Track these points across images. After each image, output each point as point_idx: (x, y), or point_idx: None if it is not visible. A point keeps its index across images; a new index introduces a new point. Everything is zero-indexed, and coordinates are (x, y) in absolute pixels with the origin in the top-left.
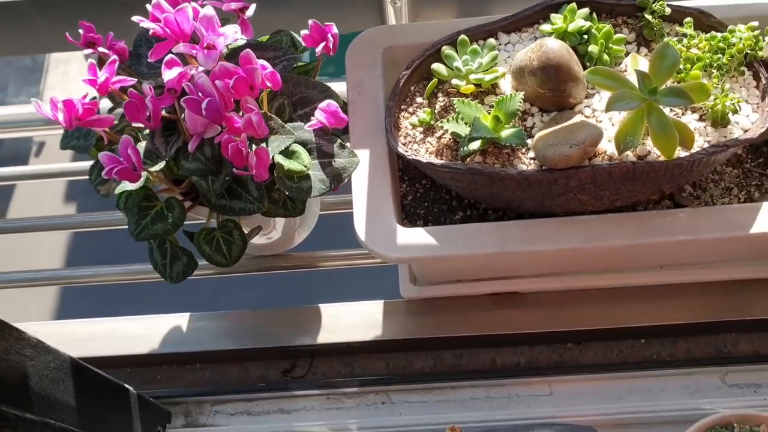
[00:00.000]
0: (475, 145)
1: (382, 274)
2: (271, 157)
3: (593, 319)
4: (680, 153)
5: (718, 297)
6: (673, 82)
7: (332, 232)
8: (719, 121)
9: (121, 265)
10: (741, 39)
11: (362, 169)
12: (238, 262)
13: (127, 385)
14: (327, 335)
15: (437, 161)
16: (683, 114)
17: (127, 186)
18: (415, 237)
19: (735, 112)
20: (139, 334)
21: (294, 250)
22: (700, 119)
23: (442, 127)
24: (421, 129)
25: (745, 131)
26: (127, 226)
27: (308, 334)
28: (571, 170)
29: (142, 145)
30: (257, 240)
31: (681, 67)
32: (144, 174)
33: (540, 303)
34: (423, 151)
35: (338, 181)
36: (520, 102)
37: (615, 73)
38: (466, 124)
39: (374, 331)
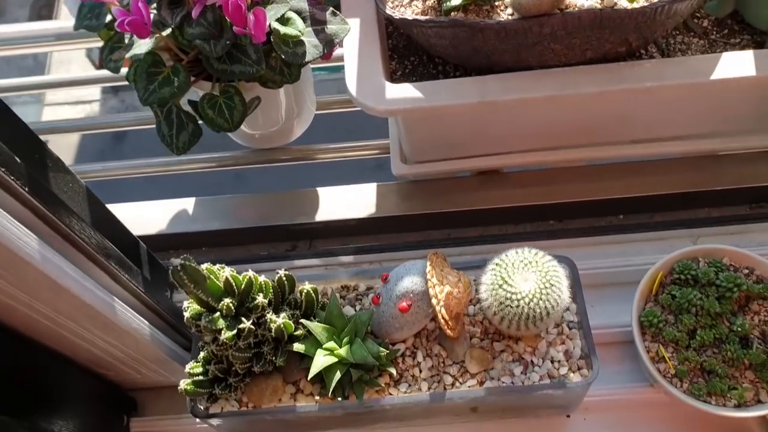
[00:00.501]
0: (455, 1)
1: (375, 165)
2: (268, 24)
3: (573, 193)
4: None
5: (690, 171)
6: None
7: (329, 130)
8: None
9: (126, 161)
10: None
11: (353, 35)
12: (242, 156)
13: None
14: (325, 214)
15: (422, 17)
16: None
17: (137, 50)
18: (403, 91)
19: None
20: (148, 216)
21: (293, 144)
22: None
23: None
24: None
25: None
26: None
27: (307, 214)
28: (543, 17)
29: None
30: (260, 131)
31: None
32: (153, 37)
33: (522, 182)
34: (409, 12)
35: (330, 46)
36: None
37: None
38: None
39: (369, 210)
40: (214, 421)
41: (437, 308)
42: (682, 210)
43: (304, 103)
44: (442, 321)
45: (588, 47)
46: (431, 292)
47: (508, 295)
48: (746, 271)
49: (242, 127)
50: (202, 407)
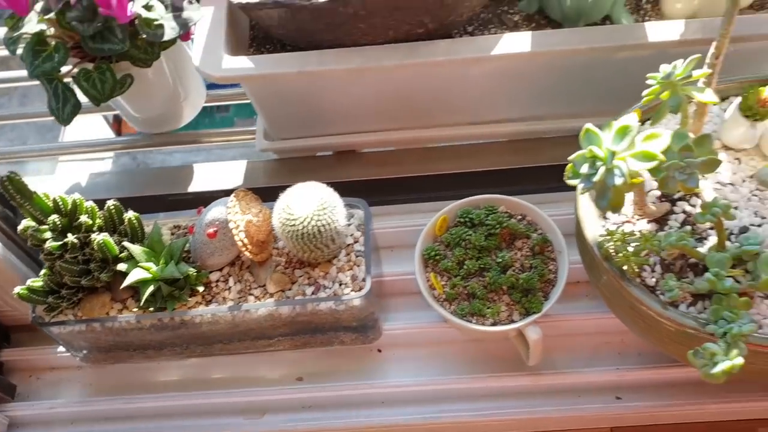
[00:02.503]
0: None
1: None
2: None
3: (414, 169)
4: None
5: (514, 152)
6: None
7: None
8: None
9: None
10: None
11: (205, 19)
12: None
13: None
14: (197, 186)
15: (253, 1)
16: None
17: (27, 29)
18: (237, 62)
19: None
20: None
21: (181, 130)
22: None
23: None
24: None
25: None
26: None
27: (182, 186)
28: None
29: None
30: (146, 113)
31: None
32: (40, 19)
33: (374, 160)
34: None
35: (186, 28)
36: None
37: None
38: None
39: (236, 183)
40: (55, 330)
41: (235, 232)
42: (506, 185)
43: (189, 87)
44: (240, 244)
45: (390, 27)
46: (230, 218)
47: (288, 216)
48: (519, 217)
49: (130, 109)
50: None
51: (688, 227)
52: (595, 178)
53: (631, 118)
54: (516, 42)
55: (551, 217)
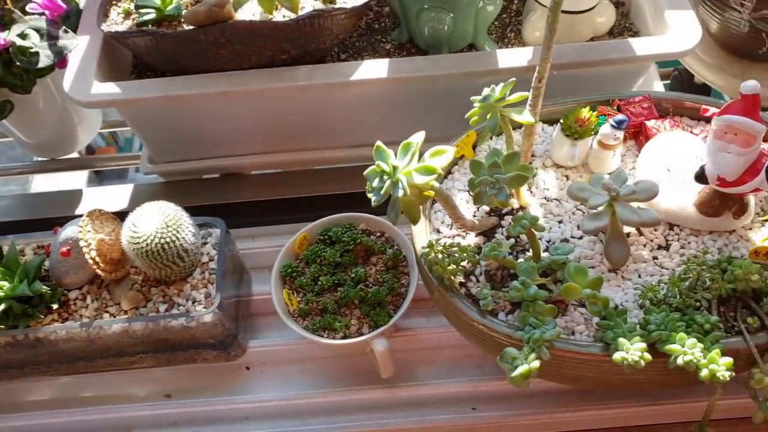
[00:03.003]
0: (148, 16)
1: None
2: (8, 39)
3: (298, 191)
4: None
5: None
6: None
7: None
8: (329, 0)
9: None
10: None
11: (80, 48)
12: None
13: None
14: (84, 208)
15: (121, 30)
16: None
17: None
18: (106, 88)
19: None
20: None
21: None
22: None
23: (134, 11)
24: (123, 16)
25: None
26: None
27: (70, 209)
28: (206, 27)
29: None
30: (37, 139)
31: None
32: None
33: (260, 182)
34: (119, 29)
35: (60, 56)
36: None
37: None
38: (143, 6)
39: (122, 205)
40: None
41: (86, 251)
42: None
43: (84, 111)
44: (91, 262)
45: (252, 53)
46: (81, 237)
47: (132, 234)
48: (378, 234)
49: (20, 135)
50: None
51: (512, 240)
52: (382, 191)
53: (418, 136)
54: (373, 68)
55: (407, 235)
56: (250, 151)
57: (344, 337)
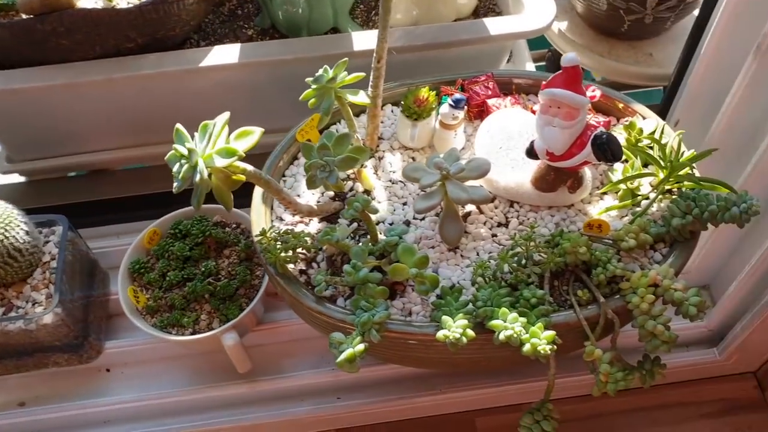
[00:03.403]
0: None
1: None
2: None
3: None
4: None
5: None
6: None
7: None
8: None
9: None
10: None
11: None
12: None
13: None
14: None
15: None
16: None
17: None
18: None
19: None
20: None
21: None
22: None
23: None
24: None
25: None
26: None
27: None
28: (42, 15)
29: None
30: None
31: None
32: None
33: (127, 178)
34: None
35: None
36: None
37: None
38: None
39: None
40: None
41: None
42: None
43: None
44: None
45: (95, 43)
46: None
47: None
48: (234, 225)
49: None
50: None
51: (355, 224)
52: (180, 176)
53: (221, 117)
54: (223, 54)
55: None
56: (112, 146)
57: (194, 333)
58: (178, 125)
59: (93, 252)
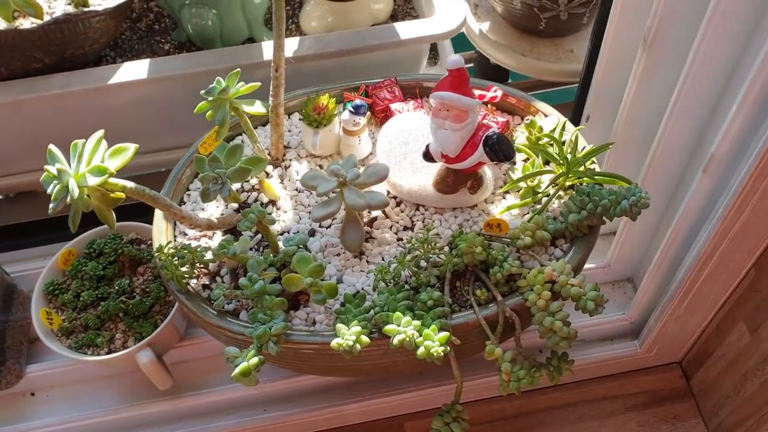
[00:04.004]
0: None
1: None
2: None
3: None
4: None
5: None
6: None
7: None
8: (80, 0)
9: None
10: None
11: None
12: None
13: None
14: None
15: None
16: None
17: None
18: None
19: None
20: None
21: None
22: (69, 2)
23: None
24: None
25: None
26: None
27: None
28: None
29: None
30: None
31: None
32: None
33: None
34: None
35: None
36: None
37: None
38: None
39: None
40: None
41: None
42: None
43: None
44: None
45: (1, 64)
46: None
47: None
48: (150, 242)
49: None
50: None
51: (259, 236)
52: (53, 197)
53: (95, 136)
54: (132, 70)
55: None
56: (24, 169)
57: (109, 352)
58: (51, 146)
59: (11, 276)
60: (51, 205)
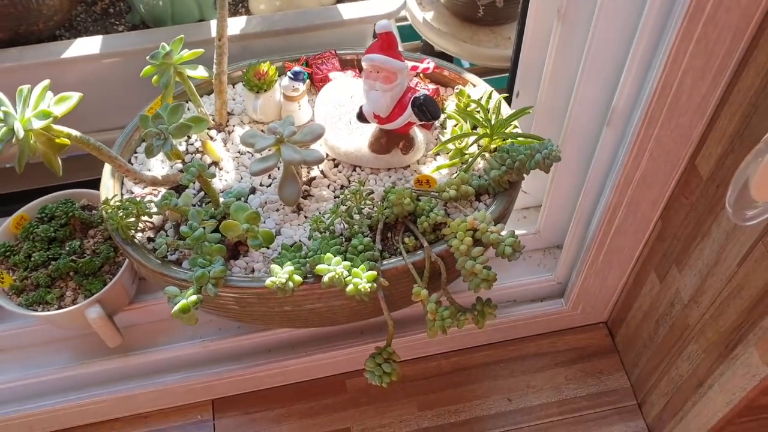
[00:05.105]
0: None
1: None
2: None
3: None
4: None
5: None
6: None
7: None
8: None
9: None
10: None
11: None
12: None
13: None
14: None
15: None
16: None
17: None
18: None
19: None
20: None
21: None
22: None
23: None
24: None
25: None
26: None
27: None
28: None
29: None
30: None
31: None
32: None
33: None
34: None
35: None
36: None
37: None
38: None
39: None
40: None
41: None
42: None
43: None
44: None
45: None
46: None
47: None
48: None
49: None
50: None
51: (202, 193)
52: (0, 139)
53: (42, 84)
54: (85, 45)
55: None
56: None
57: (59, 309)
58: None
59: None
60: None
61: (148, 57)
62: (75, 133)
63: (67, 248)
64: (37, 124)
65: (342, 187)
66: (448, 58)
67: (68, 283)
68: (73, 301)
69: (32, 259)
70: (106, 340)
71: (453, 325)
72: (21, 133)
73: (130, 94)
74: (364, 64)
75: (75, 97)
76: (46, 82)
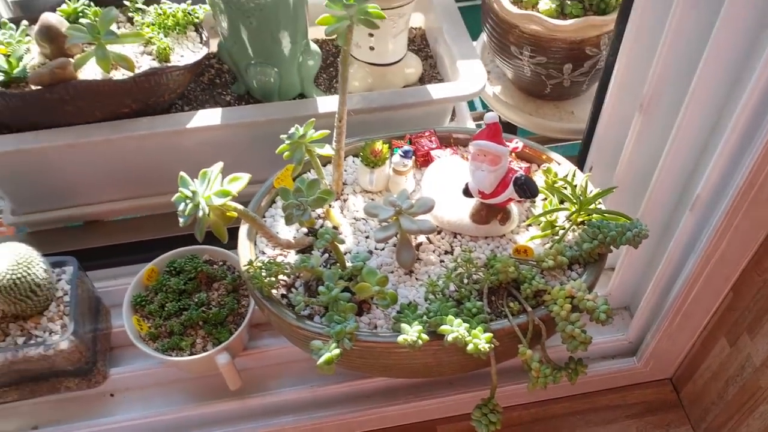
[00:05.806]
0: None
1: None
2: None
3: (152, 233)
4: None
5: None
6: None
7: None
8: (162, 56)
9: None
10: (179, 10)
11: None
12: None
13: None
14: None
15: None
16: (142, 55)
17: None
18: None
19: (170, 52)
20: None
21: None
22: (153, 58)
23: None
24: None
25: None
26: None
27: None
28: (50, 86)
29: None
30: None
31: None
32: None
33: (118, 228)
34: None
35: None
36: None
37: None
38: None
39: None
40: None
41: None
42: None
43: None
44: None
45: (95, 108)
46: None
47: None
48: (221, 263)
49: None
50: None
51: (326, 255)
52: (186, 212)
53: (216, 167)
54: (207, 117)
55: None
56: (107, 199)
57: (191, 354)
58: (182, 173)
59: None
60: (181, 220)
61: (283, 136)
62: (240, 206)
63: (196, 300)
64: (218, 201)
65: (446, 252)
66: (512, 127)
67: (198, 331)
68: (203, 348)
69: (166, 308)
70: (228, 383)
71: (552, 382)
72: (206, 210)
73: (239, 156)
74: (472, 148)
75: (245, 178)
76: (221, 165)
